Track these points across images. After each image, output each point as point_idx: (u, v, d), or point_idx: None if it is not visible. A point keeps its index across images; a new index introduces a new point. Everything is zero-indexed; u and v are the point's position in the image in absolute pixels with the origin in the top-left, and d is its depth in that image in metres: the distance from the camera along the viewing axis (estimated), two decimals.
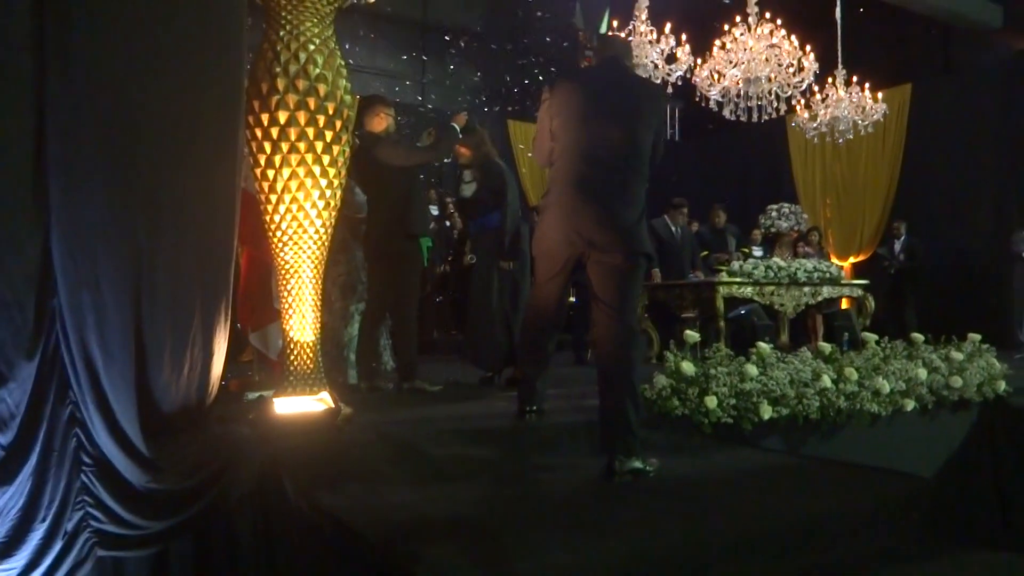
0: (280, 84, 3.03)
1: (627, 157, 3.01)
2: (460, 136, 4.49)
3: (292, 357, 3.14)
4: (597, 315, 2.96)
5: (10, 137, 2.33)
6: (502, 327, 4.75)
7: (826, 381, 3.89)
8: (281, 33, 3.09)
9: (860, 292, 6.88)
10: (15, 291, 2.25)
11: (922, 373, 4.30)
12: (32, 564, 2.30)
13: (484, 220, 4.82)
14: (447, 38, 11.19)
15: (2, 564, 2.26)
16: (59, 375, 2.31)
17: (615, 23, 6.85)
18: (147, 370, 2.45)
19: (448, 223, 8.97)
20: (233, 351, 6.31)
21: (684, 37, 7.14)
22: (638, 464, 2.74)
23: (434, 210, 9.34)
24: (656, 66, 6.97)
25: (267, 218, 3.14)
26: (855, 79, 7.99)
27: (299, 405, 2.97)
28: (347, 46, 10.17)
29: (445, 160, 5.00)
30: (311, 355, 3.15)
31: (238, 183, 3.08)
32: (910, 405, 4.21)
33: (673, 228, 7.30)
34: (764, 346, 4.00)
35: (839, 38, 8.03)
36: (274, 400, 2.94)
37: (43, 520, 2.24)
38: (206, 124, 2.83)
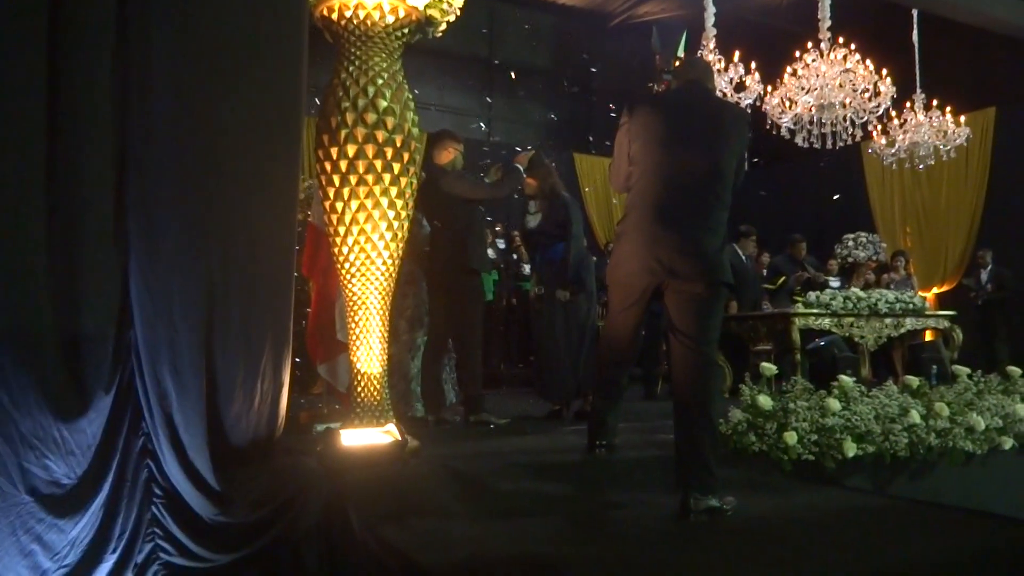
0: (349, 118, 3.07)
1: (710, 182, 2.91)
2: (524, 176, 4.53)
3: (359, 389, 3.13)
4: (674, 346, 2.84)
5: (93, 172, 2.41)
6: (569, 359, 4.69)
7: (915, 417, 3.67)
8: (351, 68, 3.13)
9: (947, 323, 6.54)
10: (98, 325, 2.30)
11: (1021, 409, 4.03)
12: None
13: (549, 252, 4.81)
14: (512, 75, 11.32)
15: None
16: (133, 406, 2.34)
17: (682, 53, 6.80)
18: (218, 402, 2.47)
19: (516, 256, 8.97)
20: (303, 383, 6.45)
21: (753, 65, 7.03)
22: (715, 503, 2.61)
23: (501, 244, 9.37)
24: (725, 95, 6.86)
25: (335, 250, 3.16)
26: (935, 103, 7.71)
27: (366, 437, 2.95)
28: (415, 84, 10.39)
29: (514, 196, 5.05)
30: (378, 387, 3.14)
31: (295, 210, 3.12)
32: (1008, 443, 3.94)
33: (744, 257, 7.11)
34: (846, 379, 3.81)
35: (917, 61, 7.78)
36: (341, 432, 2.92)
37: (114, 551, 2.25)
38: (273, 148, 2.88)
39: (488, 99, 11.53)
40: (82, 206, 2.37)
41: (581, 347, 4.71)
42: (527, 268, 7.41)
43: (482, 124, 11.39)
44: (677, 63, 3.16)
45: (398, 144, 3.11)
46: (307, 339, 5.28)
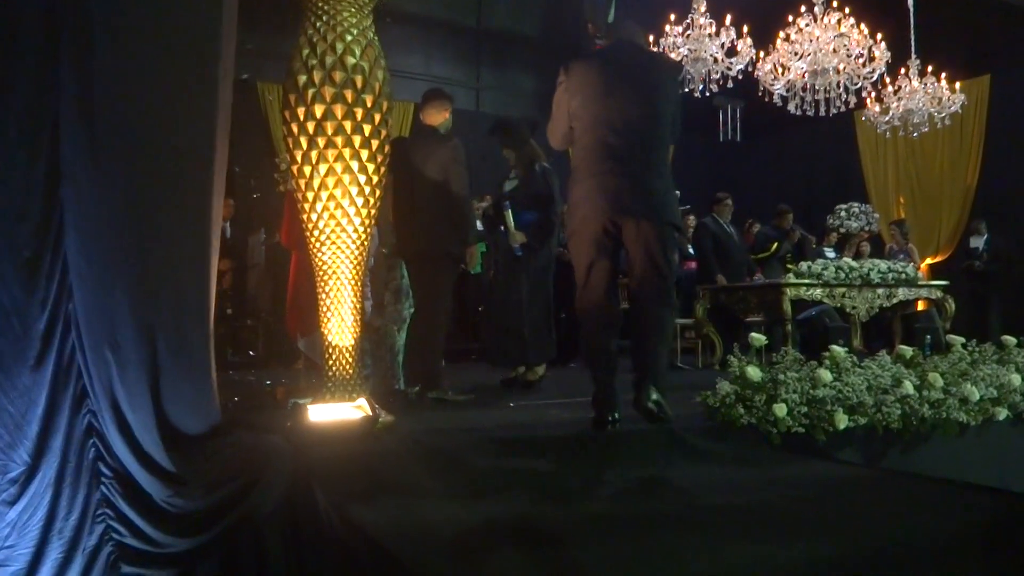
0: (316, 77, 2.91)
1: (650, 127, 3.12)
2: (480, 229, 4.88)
3: (331, 362, 2.99)
4: (633, 278, 3.15)
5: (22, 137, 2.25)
6: (528, 327, 4.70)
7: (908, 387, 3.56)
8: (318, 24, 2.97)
9: (939, 293, 6.44)
10: (12, 298, 2.15)
11: (1016, 379, 3.93)
12: None
13: (519, 217, 4.78)
14: (501, 45, 11.07)
15: None
16: (76, 383, 2.20)
17: (672, 16, 6.61)
18: (160, 378, 2.31)
19: (503, 228, 8.79)
20: (284, 358, 6.32)
21: (745, 29, 6.83)
22: (659, 397, 3.03)
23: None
24: (716, 60, 6.68)
25: (304, 217, 3.01)
26: (930, 69, 7.54)
27: (335, 412, 2.82)
28: (402, 53, 10.15)
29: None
30: (350, 360, 3.01)
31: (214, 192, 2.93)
32: (1002, 414, 3.84)
33: (725, 225, 6.93)
34: (838, 349, 3.70)
35: (912, 26, 7.58)
36: (309, 407, 2.79)
37: (60, 533, 2.12)
38: (185, 135, 2.69)
39: (479, 64, 11.28)
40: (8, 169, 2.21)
41: (542, 315, 4.74)
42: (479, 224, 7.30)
43: (474, 102, 11.17)
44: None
45: (368, 104, 2.96)
46: (287, 312, 5.14)
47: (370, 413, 2.82)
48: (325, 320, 3.00)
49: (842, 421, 3.33)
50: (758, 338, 3.56)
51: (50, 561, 2.13)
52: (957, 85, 7.57)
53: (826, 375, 3.42)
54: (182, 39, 2.65)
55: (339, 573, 2.20)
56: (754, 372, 3.33)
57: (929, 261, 9.78)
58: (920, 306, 7.45)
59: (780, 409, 3.23)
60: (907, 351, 4.01)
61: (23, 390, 2.14)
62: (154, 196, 2.48)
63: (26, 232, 2.21)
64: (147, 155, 2.51)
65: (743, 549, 2.01)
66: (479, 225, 7.35)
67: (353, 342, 3.02)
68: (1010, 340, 4.41)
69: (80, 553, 2.15)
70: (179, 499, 2.22)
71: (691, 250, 7.99)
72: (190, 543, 2.23)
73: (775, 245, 7.28)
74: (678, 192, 3.37)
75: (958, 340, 4.28)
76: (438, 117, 4.27)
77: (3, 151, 2.26)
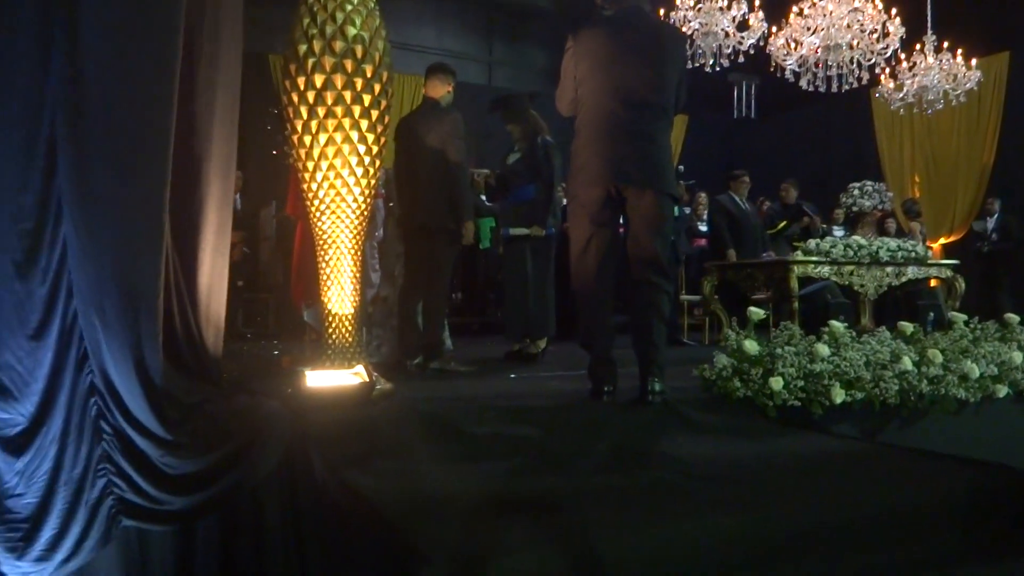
0: (316, 46, 2.92)
1: (655, 96, 3.13)
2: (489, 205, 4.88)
3: (330, 330, 3.04)
4: (630, 248, 3.17)
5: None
6: (535, 300, 4.77)
7: (907, 363, 3.56)
8: None
9: (949, 273, 6.39)
10: (16, 264, 2.21)
11: (1017, 356, 3.91)
12: (60, 534, 2.27)
13: (519, 192, 4.82)
14: (514, 19, 11.00)
15: (36, 534, 2.23)
16: (79, 346, 2.28)
17: None
18: (143, 345, 2.36)
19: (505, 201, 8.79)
20: (289, 329, 6.38)
21: (757, 3, 6.76)
22: (662, 387, 3.12)
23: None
24: (727, 34, 6.62)
25: (304, 187, 3.04)
26: (946, 45, 7.43)
27: (332, 379, 2.87)
28: (414, 28, 10.11)
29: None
30: (350, 328, 3.05)
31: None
32: (1002, 391, 3.82)
33: (740, 202, 6.90)
34: (837, 324, 3.69)
35: (928, 1, 7.46)
36: (307, 373, 2.84)
37: (65, 484, 2.21)
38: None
39: (491, 38, 11.20)
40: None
41: (546, 290, 4.79)
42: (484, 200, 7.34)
43: (486, 77, 11.10)
44: None
45: (368, 74, 2.97)
46: (291, 282, 5.20)
47: (368, 380, 2.87)
48: (325, 288, 3.04)
49: (839, 395, 3.33)
50: (756, 312, 3.57)
51: (56, 511, 2.22)
52: (974, 62, 7.45)
53: (824, 349, 3.43)
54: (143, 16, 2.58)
55: (334, 533, 2.25)
56: (751, 345, 3.35)
57: (943, 240, 9.70)
58: (933, 284, 7.40)
59: (776, 382, 3.24)
60: (907, 327, 4.00)
61: (30, 350, 2.23)
62: (128, 167, 2.48)
63: (28, 203, 2.27)
64: (122, 129, 2.50)
65: (729, 516, 2.04)
66: (484, 200, 7.37)
67: (352, 310, 3.06)
68: (1013, 318, 4.39)
69: (83, 505, 2.23)
70: (173, 459, 2.28)
71: (701, 227, 7.97)
72: (187, 501, 2.30)
73: (783, 224, 7.25)
74: (682, 167, 3.40)
75: (960, 317, 4.26)
76: (440, 89, 4.30)
77: (6, 126, 2.31)
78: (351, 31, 2.93)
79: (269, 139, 7.89)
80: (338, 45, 2.91)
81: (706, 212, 7.99)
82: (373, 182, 3.07)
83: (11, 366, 2.19)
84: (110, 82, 2.38)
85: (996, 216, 8.30)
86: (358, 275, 3.09)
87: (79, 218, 2.27)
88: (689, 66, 5.37)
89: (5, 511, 2.16)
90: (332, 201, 2.99)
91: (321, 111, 2.93)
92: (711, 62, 6.76)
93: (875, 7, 6.60)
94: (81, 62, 2.31)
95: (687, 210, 7.76)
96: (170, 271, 2.53)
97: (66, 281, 2.27)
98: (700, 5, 6.51)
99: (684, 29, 6.41)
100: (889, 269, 5.98)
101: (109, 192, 2.32)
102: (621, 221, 3.30)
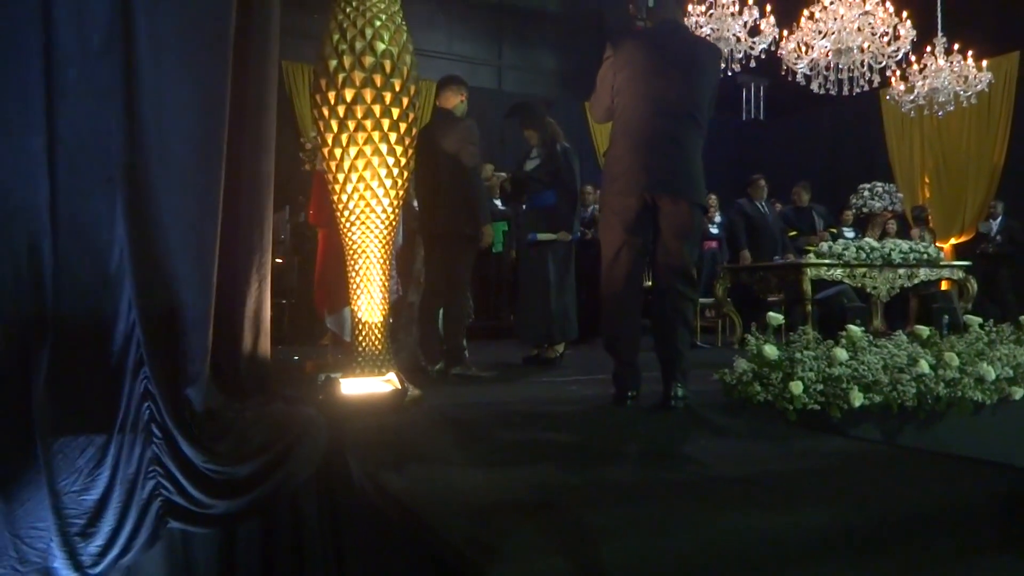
0: (346, 61, 3.00)
1: (690, 109, 3.21)
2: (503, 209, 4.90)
3: (360, 338, 3.11)
4: (658, 258, 3.25)
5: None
6: (556, 304, 4.82)
7: (924, 366, 3.61)
8: (347, 9, 3.05)
9: (961, 274, 6.44)
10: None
11: None
12: (116, 530, 2.36)
13: (538, 198, 4.89)
14: (524, 23, 11.07)
15: (93, 528, 2.31)
16: (136, 352, 2.38)
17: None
18: (180, 360, 2.46)
19: (525, 207, 8.84)
20: (311, 335, 6.47)
21: (768, 8, 6.82)
22: (685, 392, 3.21)
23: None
24: (738, 39, 6.68)
25: (334, 198, 3.12)
26: (956, 47, 7.47)
27: (366, 386, 2.94)
28: (425, 32, 10.18)
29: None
30: (379, 336, 3.12)
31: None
32: (1019, 393, 3.87)
33: (760, 206, 6.97)
34: (855, 329, 3.75)
35: (938, 3, 7.51)
36: (341, 381, 2.92)
37: (121, 483, 2.31)
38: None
39: (501, 43, 11.28)
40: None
41: (568, 296, 4.87)
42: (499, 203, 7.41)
43: (496, 81, 11.17)
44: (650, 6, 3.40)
45: (397, 88, 3.04)
46: (314, 290, 5.28)
47: (399, 387, 2.94)
48: (355, 297, 3.12)
49: (857, 399, 3.39)
50: (775, 317, 3.63)
51: (112, 507, 2.32)
52: (984, 63, 7.49)
53: (842, 354, 3.48)
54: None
55: (372, 535, 2.33)
56: (771, 350, 3.41)
57: (953, 241, 9.73)
58: (944, 286, 7.45)
59: (796, 386, 3.31)
60: (924, 331, 4.05)
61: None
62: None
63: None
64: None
65: (755, 517, 2.11)
66: (499, 204, 7.44)
67: (381, 319, 3.13)
68: None
69: (135, 505, 2.32)
70: (216, 465, 2.37)
71: (712, 230, 8.03)
72: (229, 505, 2.38)
73: (793, 234, 7.33)
74: None
75: (975, 320, 4.32)
76: (453, 100, 4.38)
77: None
78: (380, 46, 3.00)
79: (282, 145, 7.98)
80: (367, 60, 2.98)
81: (716, 214, 8.06)
82: (401, 193, 3.15)
83: None
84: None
85: (1000, 219, 8.33)
86: (386, 284, 3.16)
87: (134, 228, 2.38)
88: None
89: (65, 506, 2.26)
90: (362, 212, 3.06)
91: (351, 124, 3.00)
92: (722, 67, 6.82)
93: (886, 10, 6.66)
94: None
95: None
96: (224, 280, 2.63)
97: (128, 285, 2.36)
98: (712, 11, 6.57)
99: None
100: (901, 271, 6.04)
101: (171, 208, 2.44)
102: None
